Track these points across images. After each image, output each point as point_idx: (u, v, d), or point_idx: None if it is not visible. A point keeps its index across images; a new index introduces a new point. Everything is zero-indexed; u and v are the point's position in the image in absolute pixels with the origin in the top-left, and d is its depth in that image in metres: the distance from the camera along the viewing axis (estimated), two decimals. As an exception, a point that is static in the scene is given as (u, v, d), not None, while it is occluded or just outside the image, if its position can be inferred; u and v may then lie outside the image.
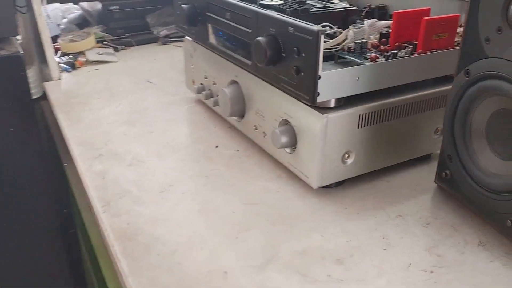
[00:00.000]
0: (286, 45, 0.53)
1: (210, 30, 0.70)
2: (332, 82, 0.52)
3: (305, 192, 0.59)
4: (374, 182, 0.61)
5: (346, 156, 0.57)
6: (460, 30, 0.64)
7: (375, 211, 0.55)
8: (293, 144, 0.58)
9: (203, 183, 0.61)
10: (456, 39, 0.62)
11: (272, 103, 0.61)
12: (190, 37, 0.78)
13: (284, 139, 0.57)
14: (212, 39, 0.71)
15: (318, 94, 0.51)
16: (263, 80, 0.62)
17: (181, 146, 0.70)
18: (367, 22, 0.65)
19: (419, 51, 0.60)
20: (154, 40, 1.20)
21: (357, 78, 0.54)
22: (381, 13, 0.76)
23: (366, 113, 0.56)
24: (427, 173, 0.63)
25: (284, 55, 0.54)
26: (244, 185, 0.60)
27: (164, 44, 1.19)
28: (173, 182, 0.61)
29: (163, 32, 1.21)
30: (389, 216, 0.55)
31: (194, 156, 0.67)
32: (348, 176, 0.59)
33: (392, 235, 0.51)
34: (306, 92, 0.52)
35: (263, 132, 0.64)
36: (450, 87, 0.61)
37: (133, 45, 1.17)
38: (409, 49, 0.60)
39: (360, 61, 0.55)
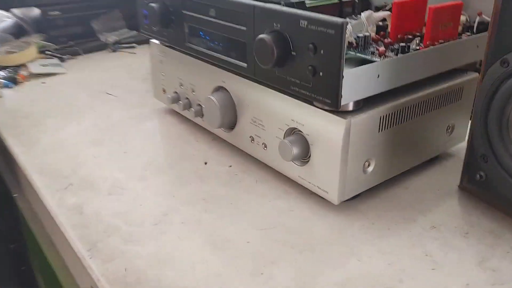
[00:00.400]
0: (297, 42, 0.46)
1: (188, 31, 0.61)
2: (353, 82, 0.45)
3: (323, 209, 0.52)
4: (392, 190, 0.55)
5: (367, 164, 0.50)
6: (462, 18, 0.60)
7: (406, 224, 0.49)
8: (304, 155, 0.51)
9: (202, 208, 0.52)
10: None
11: (275, 110, 0.53)
12: (160, 41, 0.69)
13: (296, 151, 0.50)
14: (190, 41, 0.62)
15: (341, 97, 0.44)
16: (263, 84, 0.54)
17: (164, 166, 0.60)
18: (364, 14, 0.59)
19: (428, 42, 0.54)
20: (102, 47, 1.09)
21: (377, 76, 0.47)
22: (364, 5, 0.70)
23: (387, 114, 0.50)
24: (441, 174, 0.58)
25: (294, 53, 0.46)
26: (251, 207, 0.52)
27: (114, 51, 1.08)
28: (167, 211, 0.51)
29: (112, 38, 1.10)
30: (422, 228, 0.49)
31: (183, 176, 0.58)
32: (368, 186, 0.52)
33: (434, 251, 0.45)
34: (327, 95, 0.45)
35: (263, 144, 0.56)
36: (459, 80, 0.57)
37: (80, 54, 1.05)
38: (417, 41, 0.55)
39: (368, 57, 0.49)
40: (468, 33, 0.59)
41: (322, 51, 0.43)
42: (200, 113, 0.65)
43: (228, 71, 0.58)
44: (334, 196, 0.49)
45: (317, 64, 0.44)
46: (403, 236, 0.47)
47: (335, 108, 0.45)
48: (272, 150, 0.55)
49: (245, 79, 0.56)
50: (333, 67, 0.43)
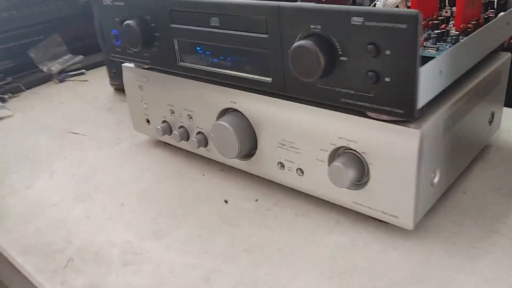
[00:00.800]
0: (348, 44, 0.37)
1: (179, 48, 0.51)
2: (423, 83, 0.37)
3: (391, 236, 0.44)
4: (449, 198, 0.48)
5: (433, 175, 0.43)
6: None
7: (490, 237, 0.42)
8: (360, 177, 0.42)
9: (249, 263, 0.42)
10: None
11: (314, 129, 0.44)
12: (140, 64, 0.58)
13: (352, 174, 0.41)
14: (184, 59, 0.51)
15: (417, 104, 0.36)
16: (294, 100, 0.45)
17: (179, 214, 0.50)
18: (380, 2, 0.52)
19: (461, 26, 0.48)
20: (47, 78, 0.95)
21: (439, 72, 0.40)
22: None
23: (449, 115, 0.42)
24: (492, 169, 0.52)
25: (344, 59, 0.38)
26: (306, 249, 0.43)
27: (62, 82, 0.94)
28: (208, 275, 0.41)
29: (56, 67, 0.96)
30: (510, 238, 0.42)
31: (206, 223, 0.48)
32: (434, 200, 0.45)
33: (542, 266, 0.38)
34: (398, 104, 0.36)
35: (298, 170, 0.47)
36: (497, 63, 0.51)
37: (23, 90, 0.90)
38: (451, 25, 0.49)
39: (426, 53, 0.42)
40: (491, 10, 0.53)
41: (388, 52, 0.35)
42: (203, 142, 0.55)
43: (238, 89, 0.49)
44: (407, 221, 0.41)
45: (381, 68, 0.36)
46: (497, 255, 0.40)
47: (410, 118, 0.37)
48: (312, 175, 0.46)
49: (265, 96, 0.47)
50: (405, 69, 0.35)
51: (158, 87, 0.58)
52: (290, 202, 0.50)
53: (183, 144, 0.58)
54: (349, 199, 0.45)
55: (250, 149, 0.51)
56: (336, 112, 0.42)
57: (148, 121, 0.62)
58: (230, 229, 0.47)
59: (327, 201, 0.47)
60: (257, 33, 0.43)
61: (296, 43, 0.38)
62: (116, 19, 0.55)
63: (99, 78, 0.92)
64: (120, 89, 0.84)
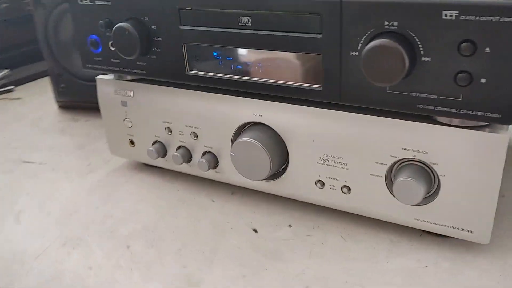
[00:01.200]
0: (433, 42, 0.32)
1: (189, 54, 0.43)
2: (506, 83, 0.33)
3: (460, 253, 0.40)
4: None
5: (497, 182, 0.40)
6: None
7: (558, 243, 0.40)
8: (427, 191, 0.38)
9: (319, 303, 0.36)
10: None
11: (371, 140, 0.39)
12: (129, 75, 0.48)
13: (423, 189, 0.37)
14: (194, 67, 0.43)
15: (513, 106, 0.32)
16: (341, 109, 0.39)
17: (206, 251, 0.41)
18: None
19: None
20: (-34, 98, 0.79)
21: (510, 70, 0.36)
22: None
23: None
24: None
25: (427, 59, 0.33)
26: (375, 278, 0.38)
27: (-14, 101, 0.79)
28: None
29: (-25, 83, 0.80)
30: None
31: (244, 259, 0.40)
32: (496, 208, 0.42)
33: None
34: (494, 108, 0.32)
35: (344, 187, 0.42)
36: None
37: None
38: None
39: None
40: None
41: (487, 50, 0.31)
42: (212, 164, 0.47)
43: (265, 100, 0.42)
44: (484, 235, 0.37)
45: (476, 69, 0.32)
46: None
47: (509, 123, 0.33)
48: (362, 193, 0.41)
49: (303, 107, 0.41)
50: (508, 69, 0.31)
51: (150, 102, 0.49)
52: (330, 225, 0.44)
53: (183, 167, 0.50)
54: (410, 216, 0.40)
55: (278, 168, 0.44)
56: (398, 120, 0.37)
57: (132, 142, 0.52)
58: (276, 263, 0.40)
59: (373, 220, 0.42)
60: (305, 33, 0.37)
61: (374, 43, 0.33)
62: (100, 21, 0.45)
63: (34, 94, 0.79)
64: (67, 106, 0.72)
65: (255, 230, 0.44)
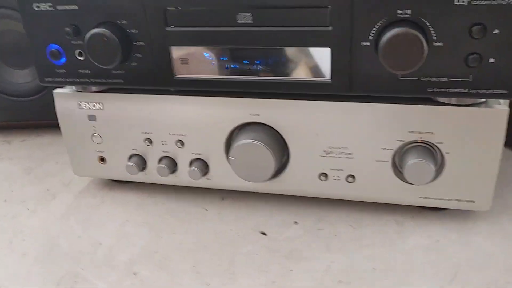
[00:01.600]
0: (446, 28, 0.34)
1: (175, 56, 0.40)
2: None
3: (463, 223, 0.42)
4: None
5: (483, 153, 0.43)
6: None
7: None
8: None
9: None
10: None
11: (377, 127, 0.40)
12: (101, 85, 0.44)
13: (434, 168, 0.39)
14: (183, 70, 0.41)
15: (517, 81, 0.35)
16: (345, 99, 0.39)
17: (224, 264, 0.39)
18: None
19: None
20: None
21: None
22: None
23: None
24: None
25: (439, 44, 0.34)
26: (399, 261, 0.39)
27: None
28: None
29: None
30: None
31: (266, 266, 0.39)
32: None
33: None
34: (501, 85, 0.35)
35: (349, 176, 0.42)
36: None
37: None
38: None
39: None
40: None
41: (496, 31, 0.33)
42: (204, 170, 0.45)
43: (261, 98, 0.41)
44: (485, 202, 0.40)
45: (486, 50, 0.34)
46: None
47: (514, 98, 0.36)
48: (367, 180, 0.42)
49: (304, 101, 0.40)
50: (515, 47, 0.33)
51: (124, 113, 0.45)
52: (334, 215, 0.44)
53: (169, 178, 0.47)
54: (415, 196, 0.42)
55: (279, 166, 0.43)
56: (404, 105, 0.38)
57: (103, 159, 0.48)
58: (299, 263, 0.39)
59: (373, 203, 0.44)
60: (312, 26, 0.36)
61: (394, 32, 0.33)
62: (66, 28, 0.40)
63: None
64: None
65: (263, 233, 0.43)
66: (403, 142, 0.40)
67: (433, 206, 0.42)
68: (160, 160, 0.46)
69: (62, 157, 0.57)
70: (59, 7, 0.40)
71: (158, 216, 0.46)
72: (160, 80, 0.41)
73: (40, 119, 0.62)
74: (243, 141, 0.41)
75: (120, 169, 0.47)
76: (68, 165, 0.49)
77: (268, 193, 0.46)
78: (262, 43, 0.38)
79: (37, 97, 0.60)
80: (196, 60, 0.40)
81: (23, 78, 0.59)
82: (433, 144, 0.39)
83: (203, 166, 0.45)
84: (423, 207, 0.44)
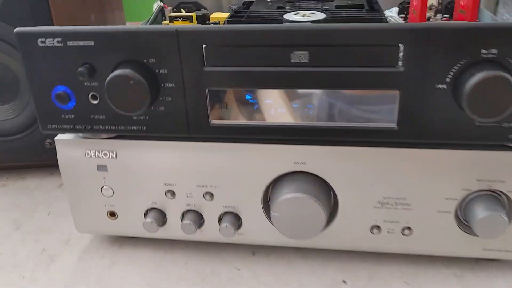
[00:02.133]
0: (534, 68, 0.30)
1: (211, 100, 0.34)
2: None
3: (529, 274, 0.39)
4: None
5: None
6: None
7: None
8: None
9: None
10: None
11: (441, 176, 0.35)
12: (128, 133, 0.37)
13: (508, 220, 0.35)
14: (219, 115, 0.35)
15: None
16: (418, 146, 0.35)
17: None
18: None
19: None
20: None
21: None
22: None
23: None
24: None
25: (525, 86, 0.30)
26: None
27: None
28: None
29: None
30: None
31: None
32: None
33: None
34: None
35: (404, 229, 0.38)
36: None
37: None
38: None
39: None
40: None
41: None
42: (237, 226, 0.39)
43: (307, 145, 0.36)
44: (556, 253, 0.37)
45: None
46: None
47: None
48: (426, 232, 0.37)
49: (357, 148, 0.35)
50: None
51: (143, 162, 0.38)
52: (386, 271, 0.39)
53: (194, 235, 0.40)
54: (479, 248, 0.38)
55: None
56: (471, 151, 0.34)
57: (113, 214, 0.41)
58: (363, 335, 0.34)
59: (426, 257, 0.39)
60: (380, 67, 0.31)
61: (483, 75, 0.29)
62: (80, 69, 0.33)
63: None
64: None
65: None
66: (470, 191, 0.35)
67: (497, 258, 0.38)
68: (183, 215, 0.40)
69: (53, 205, 0.49)
70: (71, 43, 0.33)
71: (183, 279, 0.39)
72: (193, 127, 0.35)
73: (23, 160, 0.54)
74: (288, 194, 0.36)
75: (134, 225, 0.41)
76: (63, 216, 0.43)
77: (303, 248, 0.41)
78: (318, 85, 0.33)
79: (19, 136, 0.52)
80: (236, 103, 0.34)
81: (4, 114, 0.51)
82: (502, 193, 0.35)
83: (235, 221, 0.39)
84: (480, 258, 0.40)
